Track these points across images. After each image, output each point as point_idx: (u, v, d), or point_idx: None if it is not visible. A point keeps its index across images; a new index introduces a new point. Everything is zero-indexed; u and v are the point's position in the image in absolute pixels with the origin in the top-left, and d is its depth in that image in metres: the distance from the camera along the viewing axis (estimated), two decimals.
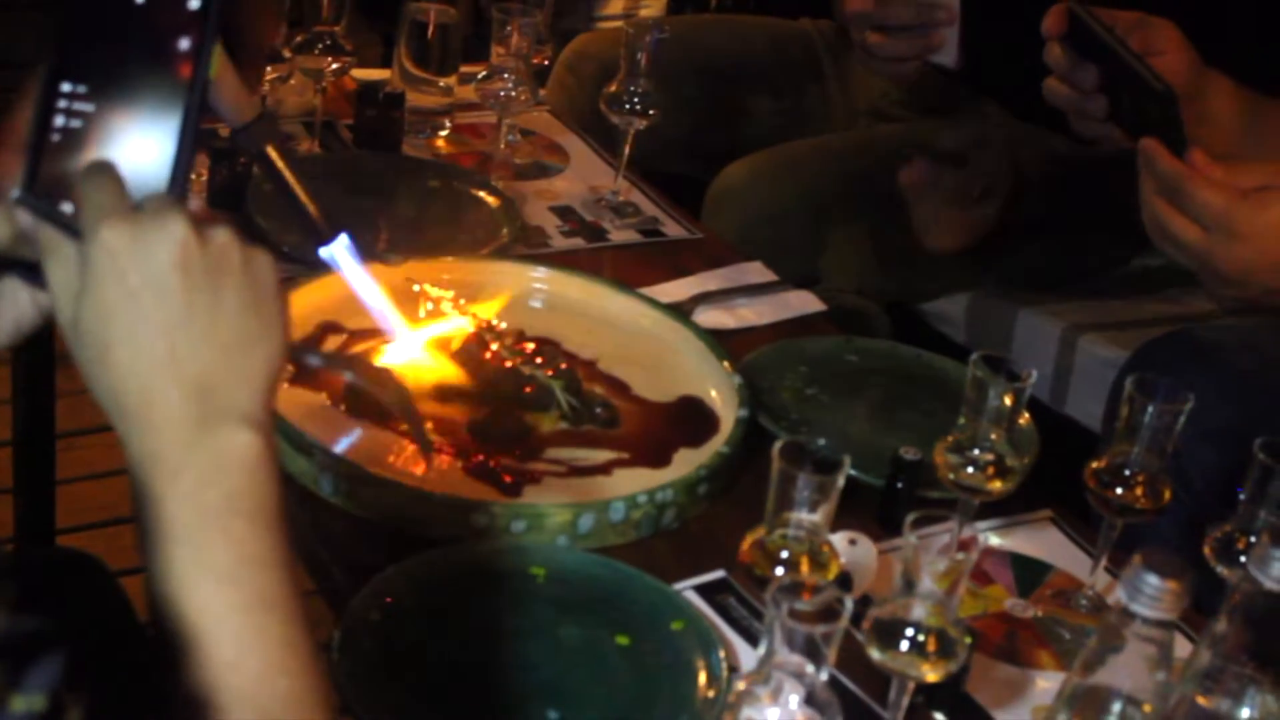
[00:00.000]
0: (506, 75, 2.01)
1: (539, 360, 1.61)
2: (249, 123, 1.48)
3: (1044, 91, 1.68)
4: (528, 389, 1.58)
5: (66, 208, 0.94)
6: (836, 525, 1.27)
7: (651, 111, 1.98)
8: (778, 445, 1.20)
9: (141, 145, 0.97)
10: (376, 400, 1.41)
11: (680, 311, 1.77)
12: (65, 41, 0.97)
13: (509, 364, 1.60)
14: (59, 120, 0.96)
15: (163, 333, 0.91)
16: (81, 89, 0.96)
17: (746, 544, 1.24)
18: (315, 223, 1.48)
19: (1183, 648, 1.09)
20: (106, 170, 0.94)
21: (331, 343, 1.64)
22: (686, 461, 1.55)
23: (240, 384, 0.93)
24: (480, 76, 2.04)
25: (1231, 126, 1.65)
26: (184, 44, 0.98)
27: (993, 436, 1.35)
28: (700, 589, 1.41)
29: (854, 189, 2.28)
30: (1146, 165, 1.50)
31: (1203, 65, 1.64)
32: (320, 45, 2.01)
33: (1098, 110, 1.65)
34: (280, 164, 1.47)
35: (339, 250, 1.49)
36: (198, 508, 0.91)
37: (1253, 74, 1.69)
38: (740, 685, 1.00)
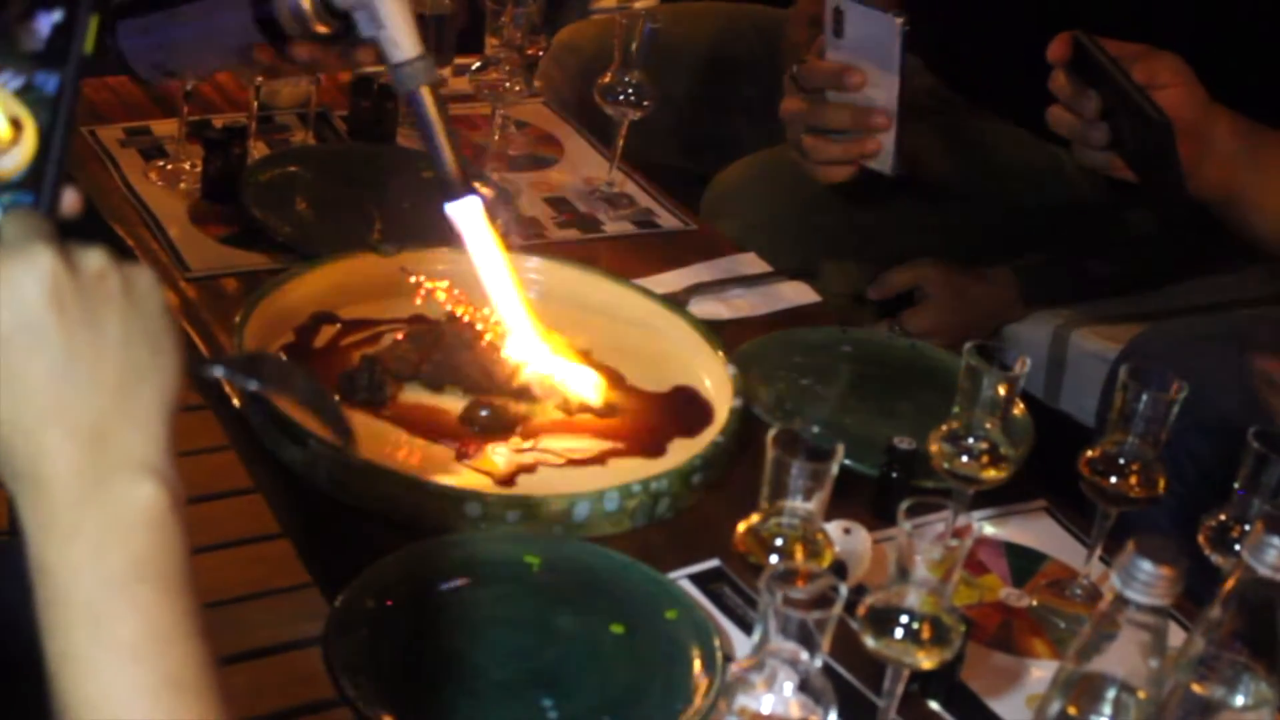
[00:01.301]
0: (501, 66, 2.01)
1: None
2: (409, 59, 1.45)
3: (1048, 118, 1.68)
4: (520, 379, 1.58)
5: None
6: (831, 514, 1.27)
7: (645, 102, 1.98)
8: (772, 433, 1.20)
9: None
10: (288, 402, 1.36)
11: (675, 302, 1.77)
12: None
13: (501, 353, 1.60)
14: None
15: (44, 381, 0.82)
16: None
17: (741, 532, 1.24)
18: (450, 176, 1.44)
19: (1176, 637, 1.09)
20: None
21: (325, 333, 1.64)
22: (681, 451, 1.55)
23: (135, 427, 0.84)
24: (474, 68, 2.04)
25: (1231, 158, 1.65)
26: (51, 17, 0.88)
27: (987, 425, 1.35)
28: (694, 578, 1.41)
29: (848, 193, 2.27)
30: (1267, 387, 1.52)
31: (1208, 100, 1.64)
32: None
33: (1099, 138, 1.65)
34: (432, 108, 1.43)
35: (466, 209, 1.46)
36: (97, 575, 0.82)
37: (1256, 106, 1.70)
38: (734, 672, 1.00)
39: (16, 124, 0.88)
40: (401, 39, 1.43)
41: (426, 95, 1.44)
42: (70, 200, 0.90)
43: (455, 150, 1.45)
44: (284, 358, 1.55)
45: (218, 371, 1.03)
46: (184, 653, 0.83)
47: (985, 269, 2.26)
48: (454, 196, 1.47)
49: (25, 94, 0.88)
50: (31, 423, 0.82)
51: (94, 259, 0.85)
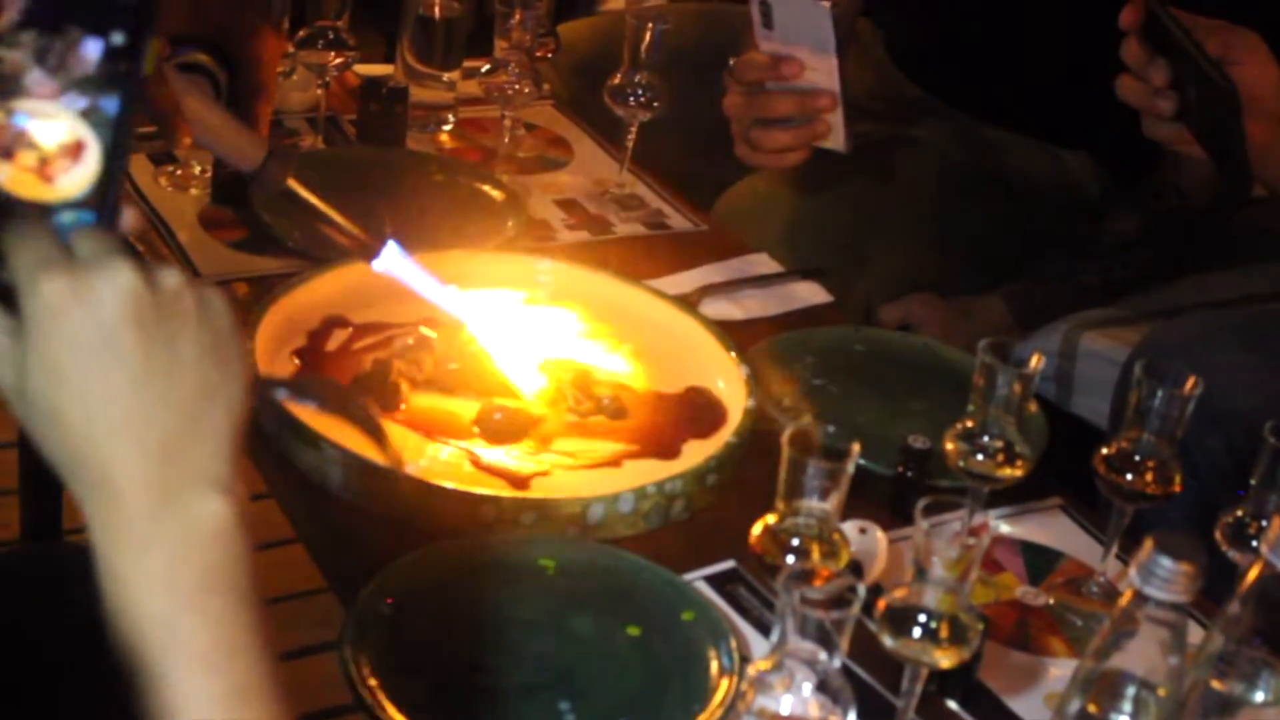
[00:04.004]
0: (510, 69, 2.01)
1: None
2: (262, 164, 1.46)
3: (1117, 87, 1.67)
4: (530, 381, 1.58)
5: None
6: (846, 514, 1.27)
7: (656, 104, 1.98)
8: (787, 432, 1.19)
9: (67, 161, 0.89)
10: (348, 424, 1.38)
11: (687, 303, 1.77)
12: None
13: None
14: None
15: (119, 394, 0.84)
16: None
17: (757, 532, 1.24)
18: (360, 241, 1.46)
19: (1194, 634, 1.09)
20: (33, 216, 0.87)
21: (337, 337, 1.64)
22: (695, 452, 1.54)
23: (205, 443, 0.87)
24: (484, 70, 2.04)
25: None
26: (114, 40, 0.90)
27: (1002, 423, 1.34)
28: (710, 579, 1.40)
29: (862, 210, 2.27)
30: None
31: None
32: (323, 40, 2.01)
33: (1167, 107, 1.64)
34: (306, 195, 1.44)
35: (391, 259, 1.47)
36: (171, 588, 0.84)
37: None
38: (752, 673, 1.00)
39: (80, 144, 0.89)
40: (245, 150, 1.44)
41: (295, 186, 1.45)
42: (130, 218, 0.92)
43: (346, 216, 1.47)
44: (338, 381, 1.55)
45: (281, 394, 1.05)
46: (253, 662, 0.85)
47: (975, 297, 2.25)
48: (374, 255, 1.48)
49: (88, 115, 0.90)
50: (105, 436, 0.84)
51: (171, 277, 0.87)
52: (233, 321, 0.90)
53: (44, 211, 0.89)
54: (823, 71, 1.85)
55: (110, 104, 0.90)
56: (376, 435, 1.12)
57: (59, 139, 0.89)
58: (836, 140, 1.90)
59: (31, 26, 0.89)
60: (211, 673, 0.84)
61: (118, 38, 0.89)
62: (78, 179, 0.90)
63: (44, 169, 0.89)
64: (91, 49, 0.89)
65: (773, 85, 1.88)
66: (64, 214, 0.89)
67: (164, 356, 0.85)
